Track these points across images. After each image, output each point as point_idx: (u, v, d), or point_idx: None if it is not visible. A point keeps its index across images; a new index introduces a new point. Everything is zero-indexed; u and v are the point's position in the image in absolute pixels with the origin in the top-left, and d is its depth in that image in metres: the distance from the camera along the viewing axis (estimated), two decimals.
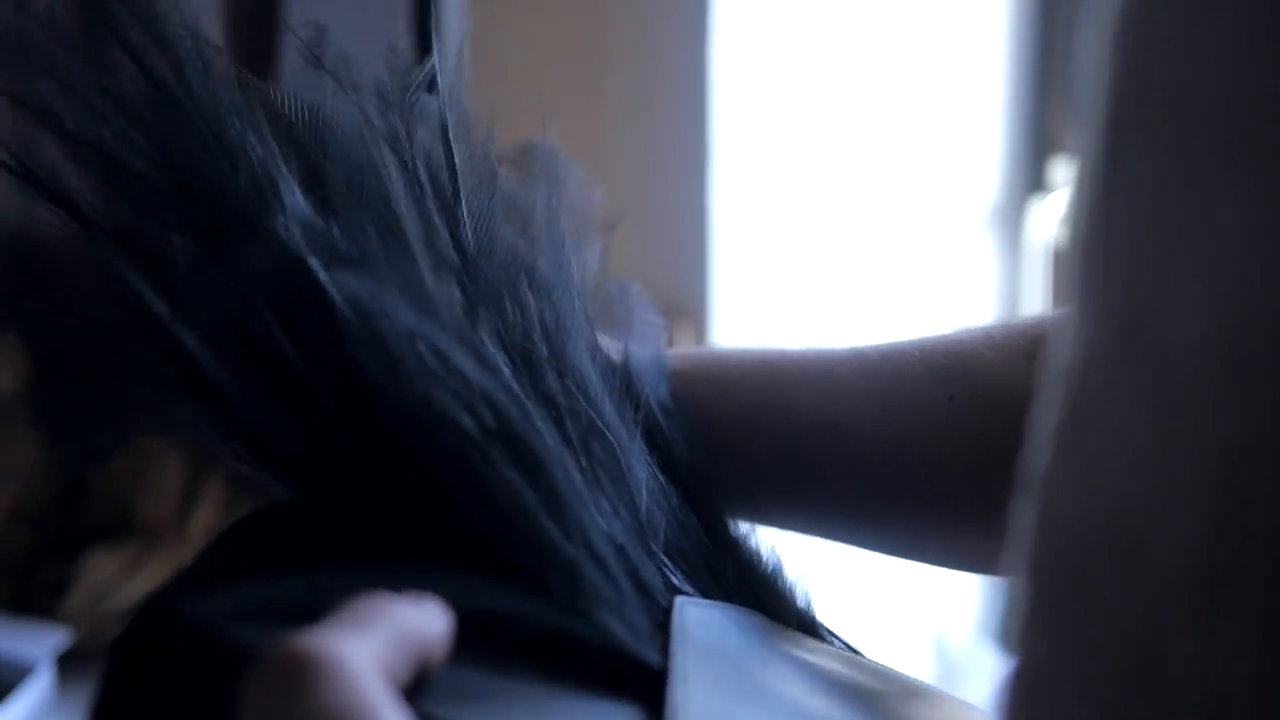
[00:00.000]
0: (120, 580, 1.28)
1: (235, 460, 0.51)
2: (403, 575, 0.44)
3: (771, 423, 0.58)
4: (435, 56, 0.57)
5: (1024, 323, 0.59)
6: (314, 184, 0.51)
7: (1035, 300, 1.81)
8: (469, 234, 0.54)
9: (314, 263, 0.48)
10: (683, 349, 0.61)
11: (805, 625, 0.56)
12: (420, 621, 0.42)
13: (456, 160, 0.55)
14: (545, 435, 0.49)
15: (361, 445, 0.49)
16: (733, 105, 1.51)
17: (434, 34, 0.58)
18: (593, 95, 1.53)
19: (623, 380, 0.56)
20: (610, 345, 0.59)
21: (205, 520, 1.30)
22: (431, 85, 0.58)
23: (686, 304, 1.49)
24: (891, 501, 0.58)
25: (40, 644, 1.22)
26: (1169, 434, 0.34)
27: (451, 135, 0.55)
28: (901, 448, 0.57)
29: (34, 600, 1.28)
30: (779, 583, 0.56)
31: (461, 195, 0.54)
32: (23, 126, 0.51)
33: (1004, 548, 0.55)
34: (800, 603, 0.56)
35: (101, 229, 0.51)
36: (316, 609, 0.41)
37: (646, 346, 0.59)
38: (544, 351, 0.52)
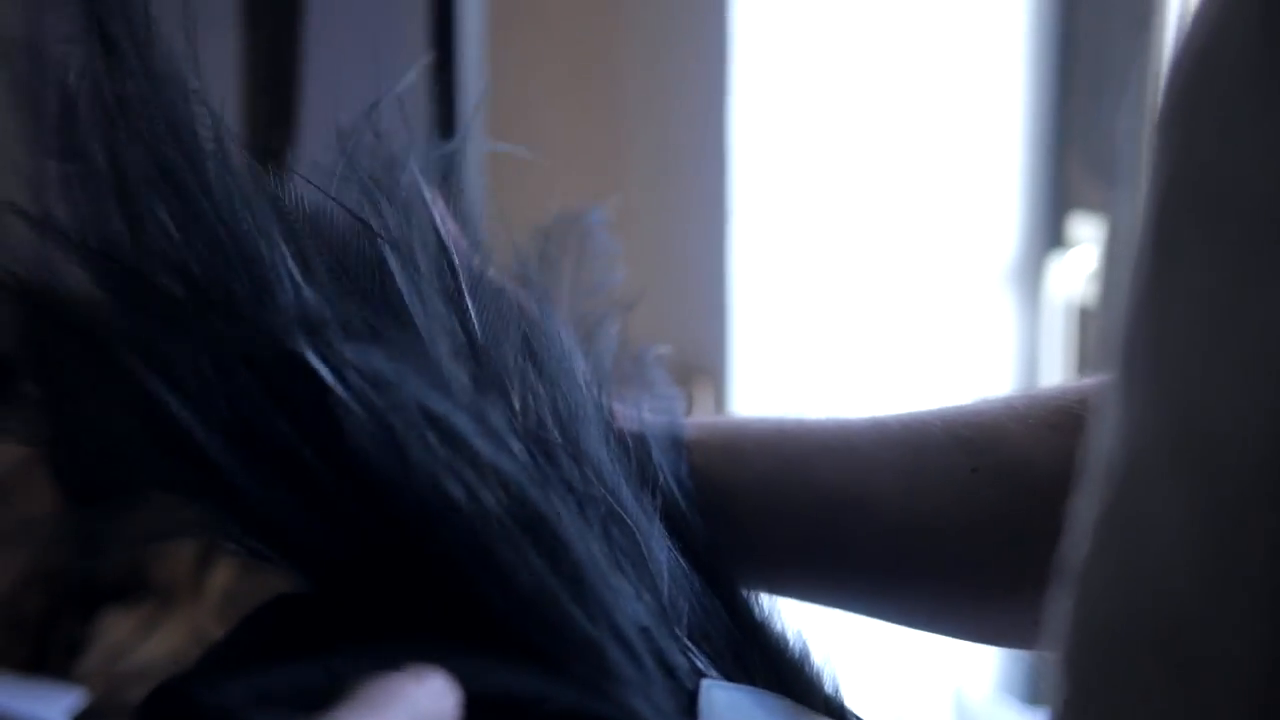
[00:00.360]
0: (135, 641, 1.28)
1: (247, 547, 0.51)
2: (422, 658, 0.44)
3: (790, 494, 0.57)
4: (451, 136, 0.57)
5: (1047, 393, 0.58)
6: (322, 277, 0.51)
7: (1054, 356, 1.80)
8: (475, 323, 0.53)
9: (312, 355, 0.48)
10: (700, 418, 0.61)
11: (832, 710, 0.55)
12: (432, 701, 0.42)
13: (452, 253, 0.54)
14: (565, 516, 0.48)
15: (376, 530, 0.49)
16: (752, 163, 1.51)
17: (446, 90, 0.58)
18: (612, 153, 1.53)
19: (639, 459, 0.56)
20: (627, 415, 0.58)
21: (221, 580, 1.29)
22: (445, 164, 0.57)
23: (706, 363, 1.48)
24: (912, 575, 0.57)
25: (55, 705, 1.21)
26: (1219, 529, 0.33)
27: (441, 228, 0.55)
28: (923, 520, 0.56)
29: (49, 661, 1.28)
30: (805, 667, 0.55)
31: (464, 286, 0.54)
32: (31, 229, 0.51)
33: (1026, 622, 0.54)
34: (827, 687, 0.55)
35: (108, 325, 0.51)
36: (333, 694, 0.41)
37: (662, 417, 0.59)
38: (557, 438, 0.52)
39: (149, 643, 1.27)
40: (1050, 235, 1.81)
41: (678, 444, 0.58)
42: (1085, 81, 1.75)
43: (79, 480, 0.54)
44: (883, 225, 1.66)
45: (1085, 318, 1.78)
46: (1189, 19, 0.37)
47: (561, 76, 1.55)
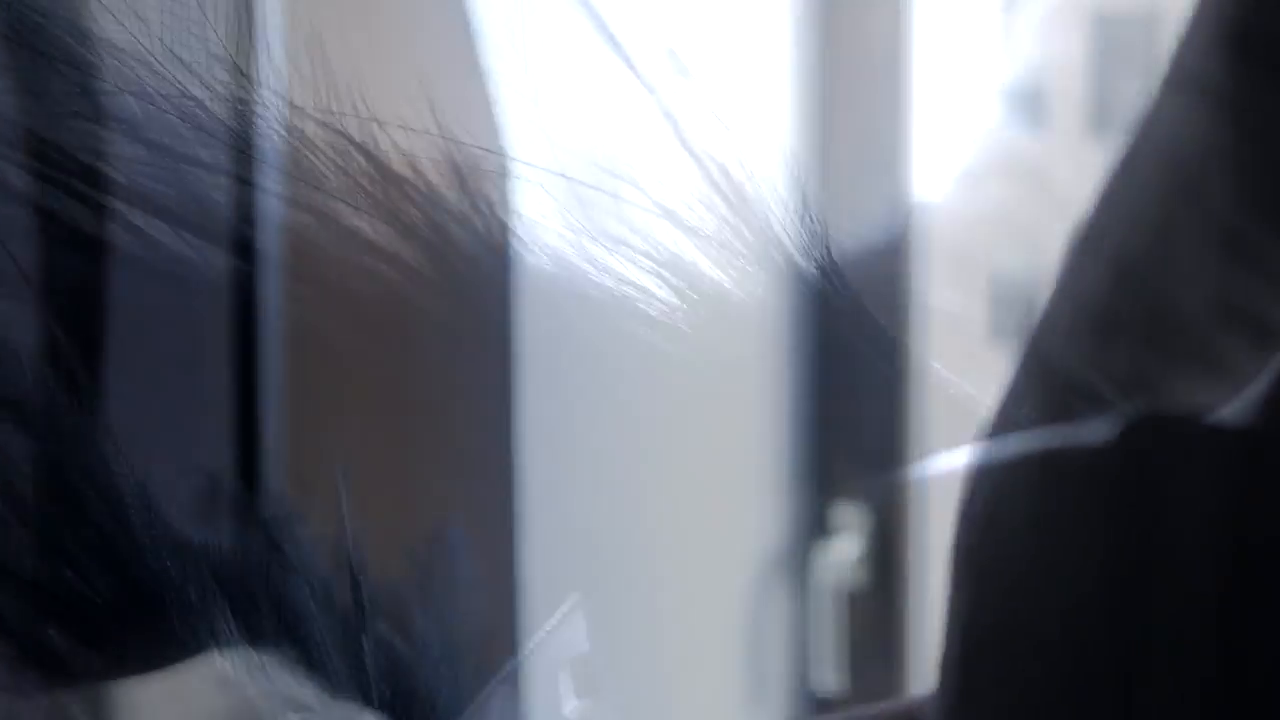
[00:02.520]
0: None
1: None
2: None
3: None
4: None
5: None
6: (250, 631, 0.53)
7: (824, 643, 1.83)
8: (373, 670, 0.55)
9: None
10: None
11: None
12: None
13: (365, 601, 0.56)
14: None
15: None
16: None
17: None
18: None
19: None
20: None
21: None
22: None
23: None
24: None
25: None
26: None
27: (356, 569, 0.57)
28: None
29: None
30: None
31: (364, 631, 0.56)
32: None
33: None
34: None
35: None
36: None
37: None
38: None
39: None
40: (815, 524, 1.85)
41: None
42: (844, 379, 1.80)
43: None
44: (648, 513, 1.66)
45: (853, 603, 1.82)
46: (969, 479, 0.45)
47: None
